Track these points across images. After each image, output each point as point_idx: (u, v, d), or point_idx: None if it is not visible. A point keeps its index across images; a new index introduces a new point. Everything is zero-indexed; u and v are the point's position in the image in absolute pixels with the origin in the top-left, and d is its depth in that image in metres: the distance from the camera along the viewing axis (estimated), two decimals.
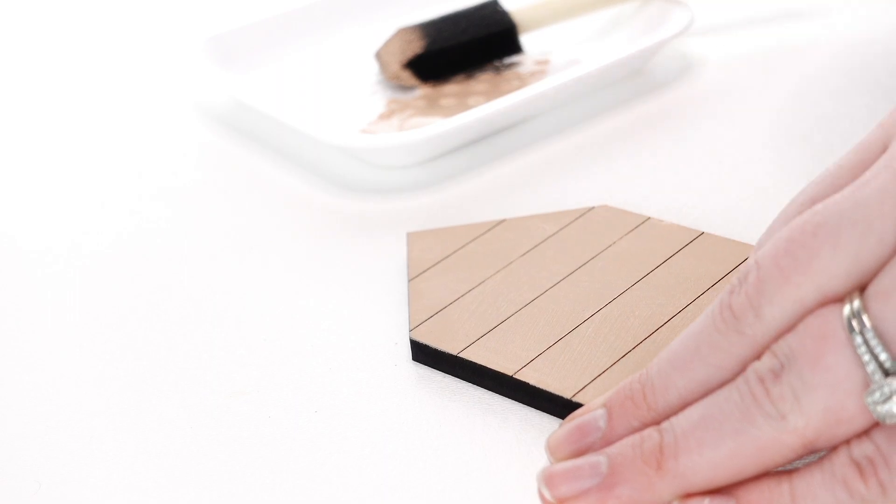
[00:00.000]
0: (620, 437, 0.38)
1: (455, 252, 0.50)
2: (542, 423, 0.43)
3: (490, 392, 0.45)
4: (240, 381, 0.47)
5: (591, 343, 0.45)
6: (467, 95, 0.62)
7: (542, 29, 0.65)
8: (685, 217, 0.52)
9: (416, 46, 0.63)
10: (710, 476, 0.36)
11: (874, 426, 0.35)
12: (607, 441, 0.38)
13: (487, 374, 0.45)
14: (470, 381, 0.45)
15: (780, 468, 0.37)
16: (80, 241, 0.57)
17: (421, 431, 0.44)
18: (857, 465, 0.35)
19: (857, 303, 0.35)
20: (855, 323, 0.35)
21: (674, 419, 0.37)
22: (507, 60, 0.65)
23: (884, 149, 0.38)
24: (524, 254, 0.50)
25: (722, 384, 0.37)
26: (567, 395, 0.43)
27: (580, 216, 0.51)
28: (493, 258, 0.50)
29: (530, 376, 0.44)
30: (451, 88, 0.63)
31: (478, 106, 0.59)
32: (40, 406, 0.47)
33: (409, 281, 0.49)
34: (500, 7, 0.64)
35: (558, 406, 0.43)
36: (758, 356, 0.36)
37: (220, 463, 0.43)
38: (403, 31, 0.64)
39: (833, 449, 0.36)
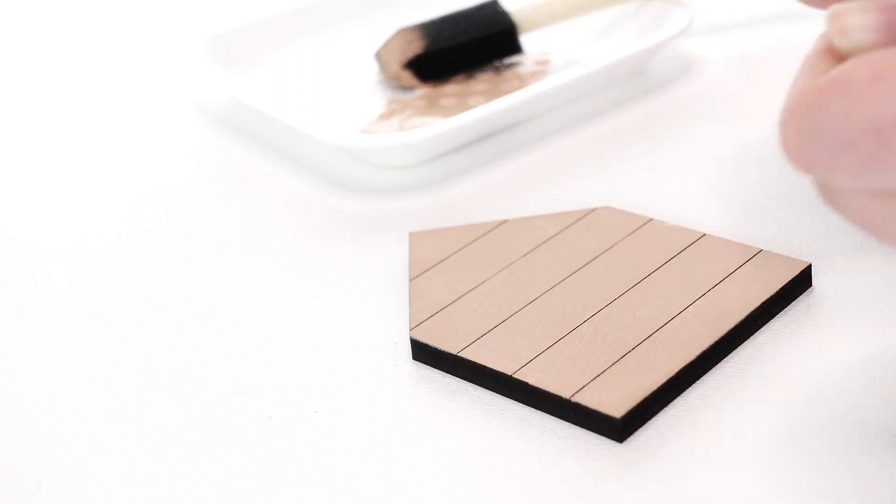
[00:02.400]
0: None
1: (456, 252, 0.50)
2: (542, 423, 0.43)
3: (490, 392, 0.45)
4: (240, 381, 0.47)
5: (591, 343, 0.45)
6: (467, 95, 0.62)
7: (542, 29, 0.65)
8: (687, 218, 0.52)
9: (416, 46, 0.63)
10: None
11: None
12: None
13: (487, 373, 0.45)
14: (470, 381, 0.45)
15: None
16: (80, 241, 0.57)
17: (421, 431, 0.44)
18: None
19: None
20: None
21: None
22: (507, 60, 0.65)
23: None
24: (525, 254, 0.50)
25: None
26: (566, 395, 0.43)
27: (582, 217, 0.51)
28: (494, 258, 0.50)
29: (530, 376, 0.44)
30: (451, 88, 0.63)
31: (478, 106, 0.59)
32: (40, 406, 0.47)
33: (411, 280, 0.49)
34: (500, 7, 0.64)
35: (558, 406, 0.43)
36: None
37: (220, 463, 0.43)
38: (403, 31, 0.64)
39: None
